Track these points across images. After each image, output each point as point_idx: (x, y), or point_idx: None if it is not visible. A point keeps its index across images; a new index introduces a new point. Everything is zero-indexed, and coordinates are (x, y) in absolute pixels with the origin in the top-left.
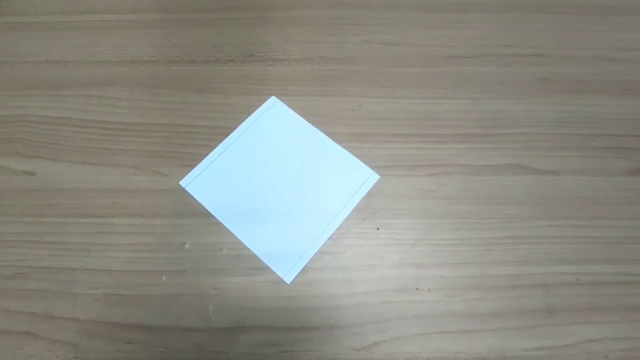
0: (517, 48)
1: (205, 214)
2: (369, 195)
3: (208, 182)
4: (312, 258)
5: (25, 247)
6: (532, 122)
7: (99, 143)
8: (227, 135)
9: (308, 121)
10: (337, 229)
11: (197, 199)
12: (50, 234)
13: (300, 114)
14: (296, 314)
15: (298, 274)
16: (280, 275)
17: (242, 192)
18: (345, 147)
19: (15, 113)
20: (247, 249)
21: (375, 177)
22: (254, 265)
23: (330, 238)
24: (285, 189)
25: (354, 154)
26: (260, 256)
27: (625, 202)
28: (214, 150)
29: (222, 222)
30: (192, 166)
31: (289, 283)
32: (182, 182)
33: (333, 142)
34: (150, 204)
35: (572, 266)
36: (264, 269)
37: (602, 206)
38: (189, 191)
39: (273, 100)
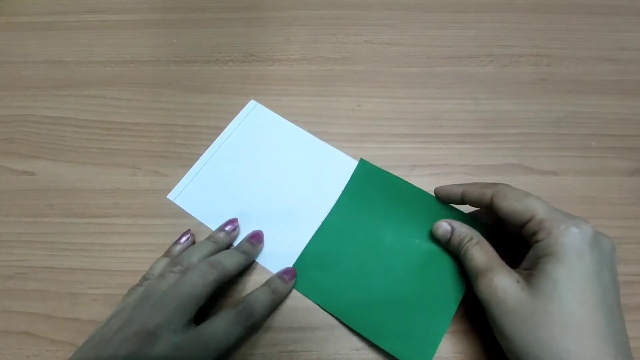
0: (517, 48)
1: None
2: None
3: (196, 193)
4: None
5: (25, 247)
6: (532, 122)
7: (99, 143)
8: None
9: (290, 121)
10: None
11: (186, 210)
12: (50, 234)
13: (281, 114)
14: (296, 314)
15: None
16: None
17: (234, 199)
18: (338, 147)
19: (15, 113)
20: None
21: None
22: (253, 266)
23: None
24: (278, 192)
25: (350, 154)
26: (258, 260)
27: (625, 202)
28: (197, 161)
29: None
30: (193, 166)
31: None
32: (170, 196)
33: (319, 140)
34: (150, 204)
35: None
36: (262, 268)
37: (602, 206)
38: (177, 204)
39: (252, 104)
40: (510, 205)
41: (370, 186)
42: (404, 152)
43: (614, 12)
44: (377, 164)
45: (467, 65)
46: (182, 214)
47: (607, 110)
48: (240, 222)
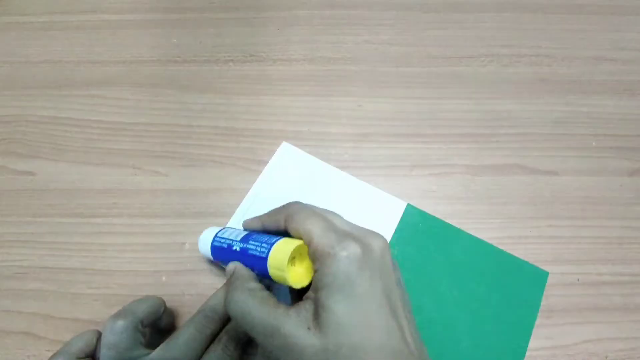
0: (517, 48)
1: (205, 214)
2: None
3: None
4: None
5: (25, 247)
6: (532, 122)
7: (99, 143)
8: (228, 135)
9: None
10: None
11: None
12: (50, 234)
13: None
14: None
15: None
16: None
17: None
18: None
19: (15, 113)
20: None
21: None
22: None
23: None
24: None
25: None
26: None
27: (625, 202)
28: (234, 214)
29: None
30: (193, 166)
31: None
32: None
33: (360, 181)
34: (150, 204)
35: (573, 266)
36: None
37: (602, 206)
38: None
39: (285, 146)
40: (295, 228)
41: (419, 233)
42: (404, 152)
43: (614, 12)
44: (377, 164)
45: (467, 65)
46: (181, 213)
47: (607, 110)
48: None
